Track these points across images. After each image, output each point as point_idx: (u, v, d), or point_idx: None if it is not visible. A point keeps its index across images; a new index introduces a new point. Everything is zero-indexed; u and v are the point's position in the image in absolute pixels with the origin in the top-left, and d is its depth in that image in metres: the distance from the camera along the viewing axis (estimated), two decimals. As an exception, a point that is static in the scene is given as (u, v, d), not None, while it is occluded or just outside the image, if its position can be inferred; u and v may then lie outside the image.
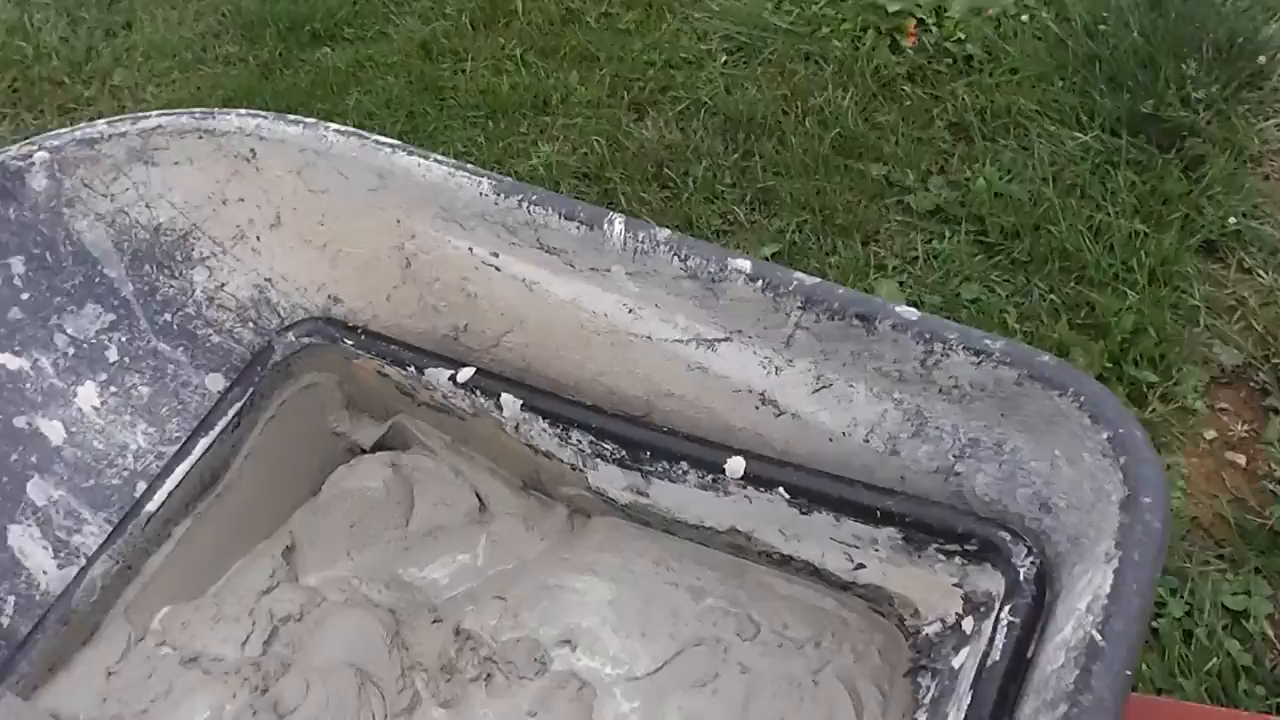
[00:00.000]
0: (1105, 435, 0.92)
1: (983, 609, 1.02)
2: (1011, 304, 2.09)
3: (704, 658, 1.12)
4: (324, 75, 2.97)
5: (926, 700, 1.05)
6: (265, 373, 1.26)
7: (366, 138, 1.18)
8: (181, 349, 1.28)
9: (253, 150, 1.24)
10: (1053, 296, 2.09)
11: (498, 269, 1.17)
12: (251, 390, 1.25)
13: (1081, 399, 0.93)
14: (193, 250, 1.29)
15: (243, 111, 1.25)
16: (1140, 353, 1.98)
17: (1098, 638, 0.82)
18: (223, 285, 1.30)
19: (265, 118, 1.23)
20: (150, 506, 1.17)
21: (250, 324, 1.31)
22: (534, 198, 1.09)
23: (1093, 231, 2.17)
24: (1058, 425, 0.96)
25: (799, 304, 1.01)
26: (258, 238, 1.28)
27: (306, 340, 1.28)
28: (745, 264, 1.02)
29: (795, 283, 1.01)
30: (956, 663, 1.03)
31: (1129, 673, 0.81)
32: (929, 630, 1.09)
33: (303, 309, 1.32)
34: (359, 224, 1.24)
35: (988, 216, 2.26)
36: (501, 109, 2.78)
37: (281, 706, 1.11)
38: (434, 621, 1.20)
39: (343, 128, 1.19)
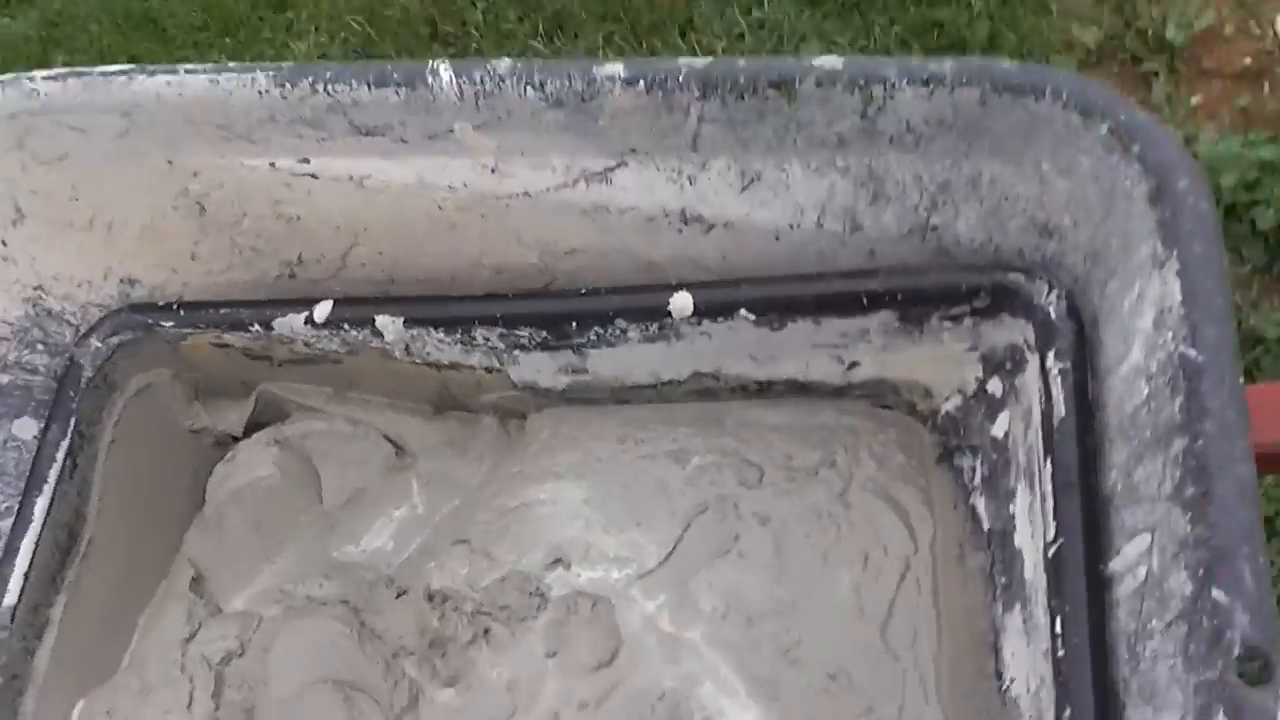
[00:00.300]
0: (1104, 128, 0.76)
1: (1009, 365, 0.88)
2: (857, 50, 1.92)
3: (715, 523, 0.96)
4: (11, 49, 2.53)
5: (976, 482, 0.92)
6: (81, 395, 1.01)
7: (89, 73, 0.90)
8: (-34, 405, 1.02)
9: (-52, 136, 0.95)
10: (896, 28, 1.92)
11: (314, 177, 0.93)
12: (73, 421, 1.00)
13: (1064, 96, 0.77)
14: (-74, 283, 1.01)
15: (-85, 91, 0.96)
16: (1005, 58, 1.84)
17: (1192, 353, 0.68)
18: (-17, 313, 1.03)
19: (-52, 89, 0.95)
20: (8, 600, 0.94)
21: (39, 346, 1.06)
22: (328, 75, 0.85)
23: (910, -54, 1.99)
24: (1038, 135, 0.80)
25: (696, 94, 0.81)
26: (2, 243, 1.01)
27: (115, 340, 1.03)
28: (617, 67, 0.81)
29: (685, 69, 0.80)
30: (998, 431, 0.90)
31: (1241, 379, 0.68)
32: (948, 408, 0.96)
33: (96, 307, 1.06)
34: (121, 183, 0.98)
35: (796, -33, 2.06)
36: (233, 20, 2.42)
37: None
38: (398, 595, 1.01)
39: (55, 71, 0.91)
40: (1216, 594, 0.62)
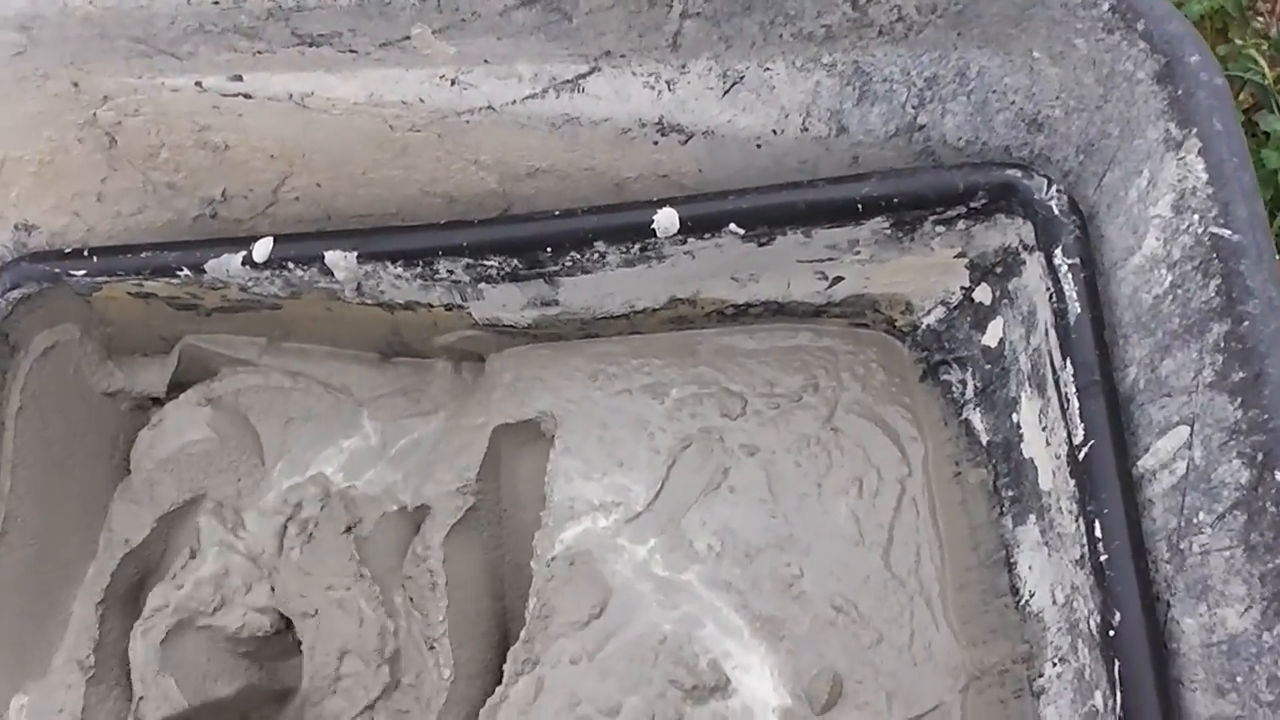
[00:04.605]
0: (1105, 6, 0.73)
1: (999, 269, 0.85)
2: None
3: (701, 457, 0.91)
4: None
5: (968, 395, 0.89)
6: (-19, 358, 0.90)
7: (-24, -20, 0.79)
8: None
9: None
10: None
11: (248, 96, 0.84)
12: (-24, 387, 0.89)
13: (1063, -28, 0.73)
14: None
15: None
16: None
17: (1226, 234, 0.66)
18: None
19: None
20: (-83, 591, 0.83)
21: (-75, 305, 0.94)
22: (267, -26, 0.76)
23: None
24: (1031, 20, 0.76)
25: (681, -16, 0.75)
26: (-122, 185, 0.89)
27: (16, 295, 0.92)
28: (595, -44, 0.75)
29: (669, -44, 0.74)
30: (990, 340, 0.87)
31: (1277, 256, 0.66)
32: (929, 321, 0.92)
33: (-12, 258, 0.95)
34: (17, 112, 0.87)
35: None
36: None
37: None
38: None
39: (-66, -22, 0.80)
40: (1281, 477, 0.60)
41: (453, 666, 0.86)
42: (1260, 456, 0.61)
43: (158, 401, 1.02)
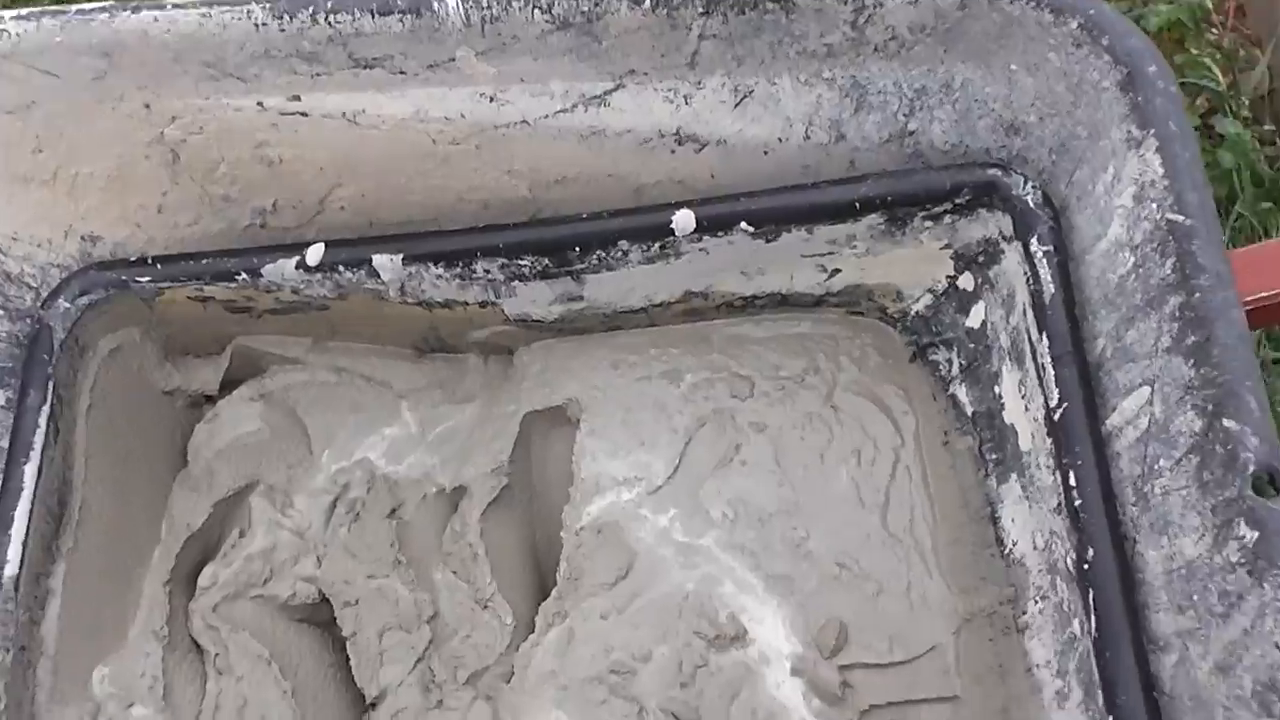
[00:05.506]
0: (1074, 24, 0.84)
1: (981, 258, 0.95)
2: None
3: (715, 435, 1.01)
4: None
5: (954, 372, 0.99)
6: (56, 358, 0.98)
7: (65, 12, 0.88)
8: (-70, 376, 0.98)
9: (-97, 88, 0.91)
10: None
11: (304, 114, 0.93)
12: (51, 385, 0.97)
13: (1035, -5, 0.84)
14: (-121, 247, 0.97)
15: None
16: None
17: (1180, 218, 0.76)
18: (-61, 277, 0.99)
19: (-102, 41, 0.91)
20: (9, 570, 0.90)
21: (-2, 311, 1.02)
22: (329, 4, 0.86)
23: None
24: (1010, 37, 0.87)
25: (700, 10, 0.85)
26: (-42, 201, 0.97)
27: (85, 301, 1.00)
28: (623, -14, 0.85)
29: (689, -14, 0.84)
30: (972, 322, 0.97)
31: (1223, 238, 0.77)
32: (917, 307, 1.02)
33: (56, 267, 1.03)
34: (92, 131, 0.96)
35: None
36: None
37: None
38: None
39: (26, 10, 0.89)
40: (1228, 424, 0.70)
41: (513, 615, 0.95)
42: (1210, 407, 0.71)
43: (210, 399, 1.10)
